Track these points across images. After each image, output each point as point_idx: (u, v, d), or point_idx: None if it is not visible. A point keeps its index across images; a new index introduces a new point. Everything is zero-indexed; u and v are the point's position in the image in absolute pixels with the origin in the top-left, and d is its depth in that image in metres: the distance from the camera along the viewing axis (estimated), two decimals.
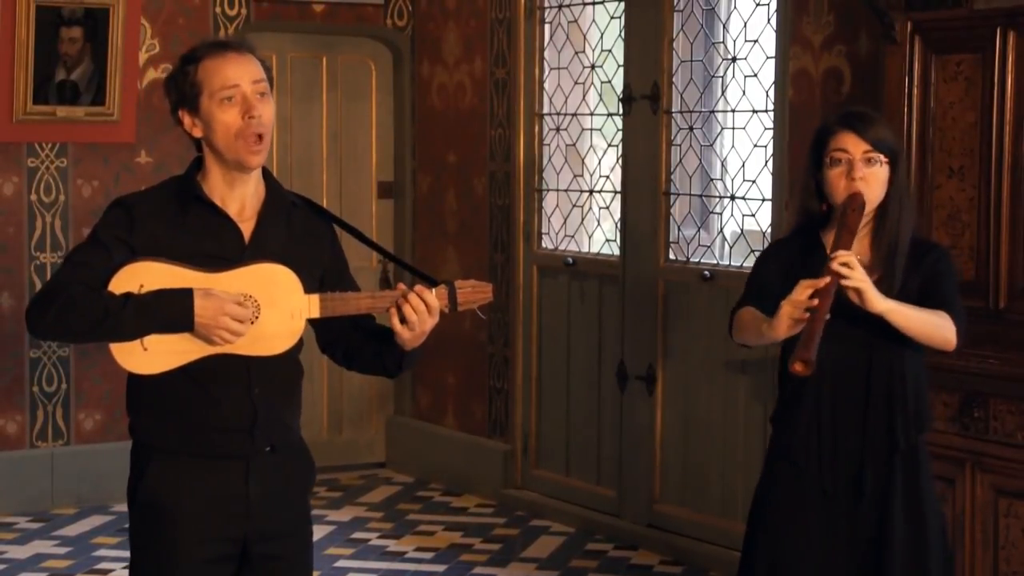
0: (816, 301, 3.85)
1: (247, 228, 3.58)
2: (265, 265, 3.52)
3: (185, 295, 3.43)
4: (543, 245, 7.79)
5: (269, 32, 8.22)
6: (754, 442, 6.52)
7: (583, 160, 7.70)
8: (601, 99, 7.53)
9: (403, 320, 3.54)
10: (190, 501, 3.56)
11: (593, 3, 7.56)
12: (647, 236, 7.09)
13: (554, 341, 7.69)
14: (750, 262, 6.27)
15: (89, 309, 3.43)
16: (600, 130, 7.59)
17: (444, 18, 8.30)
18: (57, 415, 7.73)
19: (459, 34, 8.19)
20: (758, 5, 6.62)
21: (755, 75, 6.69)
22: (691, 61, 7.02)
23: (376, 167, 8.72)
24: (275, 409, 3.63)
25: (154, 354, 3.49)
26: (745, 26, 6.72)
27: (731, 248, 6.88)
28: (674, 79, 7.00)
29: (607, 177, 7.48)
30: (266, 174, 3.66)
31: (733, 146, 6.85)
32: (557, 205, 7.77)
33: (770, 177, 6.55)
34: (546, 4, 7.74)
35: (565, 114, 7.68)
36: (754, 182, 6.70)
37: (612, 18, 7.41)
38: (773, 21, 6.52)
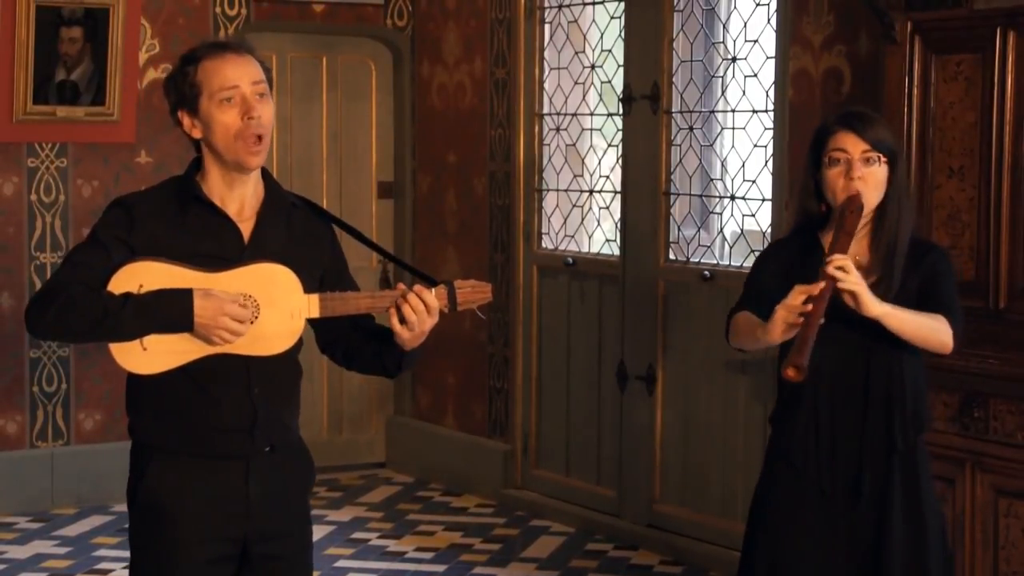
0: (811, 306, 3.85)
1: (246, 228, 3.58)
2: (264, 265, 3.52)
3: (185, 295, 3.43)
4: (543, 245, 7.79)
5: (269, 32, 8.22)
6: (754, 442, 6.52)
7: (583, 160, 7.69)
8: (601, 99, 7.53)
9: (402, 320, 3.54)
10: (190, 501, 3.56)
11: (593, 3, 7.56)
12: (647, 236, 7.09)
13: (554, 341, 7.69)
14: (750, 262, 6.26)
15: (88, 309, 3.43)
16: (600, 130, 7.59)
17: (444, 18, 8.29)
18: (57, 415, 7.72)
19: (459, 34, 8.18)
20: (758, 5, 6.61)
21: (755, 75, 6.69)
22: (691, 61, 7.02)
23: (376, 167, 8.71)
24: (275, 409, 3.63)
25: (154, 354, 3.49)
26: (745, 26, 6.72)
27: (731, 248, 6.88)
28: (674, 79, 7.00)
29: (607, 177, 7.48)
30: (265, 174, 3.66)
31: (733, 146, 6.85)
32: (557, 205, 7.77)
33: (770, 177, 6.55)
34: (546, 4, 7.74)
35: (565, 114, 7.68)
36: (754, 182, 6.69)
37: (612, 18, 7.41)
38: (773, 21, 6.52)
